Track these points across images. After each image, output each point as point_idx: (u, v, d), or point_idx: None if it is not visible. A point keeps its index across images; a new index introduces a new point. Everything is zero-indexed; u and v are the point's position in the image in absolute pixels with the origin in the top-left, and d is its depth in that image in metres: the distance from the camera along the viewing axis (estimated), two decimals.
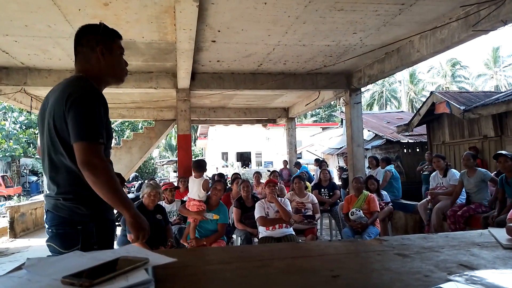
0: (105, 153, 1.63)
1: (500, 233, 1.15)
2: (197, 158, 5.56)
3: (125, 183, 11.61)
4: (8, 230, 8.07)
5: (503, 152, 4.62)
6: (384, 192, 6.11)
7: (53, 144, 1.57)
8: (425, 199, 5.83)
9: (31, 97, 8.06)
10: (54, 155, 1.58)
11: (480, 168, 5.11)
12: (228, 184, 6.93)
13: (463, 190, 5.18)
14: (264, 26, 4.79)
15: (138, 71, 6.93)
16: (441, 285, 0.71)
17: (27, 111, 9.68)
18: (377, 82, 8.94)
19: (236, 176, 6.80)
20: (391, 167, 7.22)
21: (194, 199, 4.25)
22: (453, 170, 5.74)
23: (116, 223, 6.75)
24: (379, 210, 5.22)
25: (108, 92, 8.71)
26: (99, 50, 1.66)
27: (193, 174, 4.47)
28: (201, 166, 4.40)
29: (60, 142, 1.55)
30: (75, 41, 1.69)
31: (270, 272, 0.89)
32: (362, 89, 7.73)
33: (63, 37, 4.96)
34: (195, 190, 4.26)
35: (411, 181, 10.57)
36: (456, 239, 1.17)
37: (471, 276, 0.76)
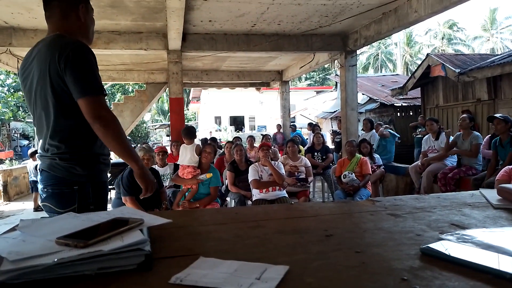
0: None
1: (491, 194, 1.17)
2: (186, 125, 5.54)
3: None
4: (2, 193, 8.10)
5: (497, 114, 4.64)
6: (376, 155, 6.18)
7: (47, 104, 1.54)
8: (416, 162, 5.92)
9: (17, 58, 7.80)
10: (49, 115, 1.55)
11: (474, 131, 5.15)
12: (222, 148, 6.95)
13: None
14: None
15: (127, 31, 6.69)
16: (432, 244, 0.72)
17: (14, 73, 9.41)
18: (373, 44, 8.75)
19: (237, 139, 6.84)
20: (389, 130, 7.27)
21: (188, 166, 4.26)
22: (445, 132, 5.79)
23: (110, 186, 6.79)
24: (371, 173, 5.30)
25: (97, 53, 8.43)
26: (81, 8, 1.61)
27: (184, 141, 4.49)
28: (191, 133, 4.48)
29: (56, 101, 1.52)
30: None
31: (265, 232, 0.90)
32: (358, 52, 7.60)
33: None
34: (188, 156, 4.28)
35: (403, 144, 10.69)
36: (448, 199, 1.19)
37: (462, 235, 0.78)
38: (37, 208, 6.84)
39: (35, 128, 1.69)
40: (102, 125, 1.47)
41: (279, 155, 6.55)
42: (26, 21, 5.92)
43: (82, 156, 1.56)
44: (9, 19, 5.84)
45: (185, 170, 4.29)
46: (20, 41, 6.31)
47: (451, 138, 5.40)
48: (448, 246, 0.71)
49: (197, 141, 4.81)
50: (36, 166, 7.09)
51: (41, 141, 1.62)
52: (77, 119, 1.52)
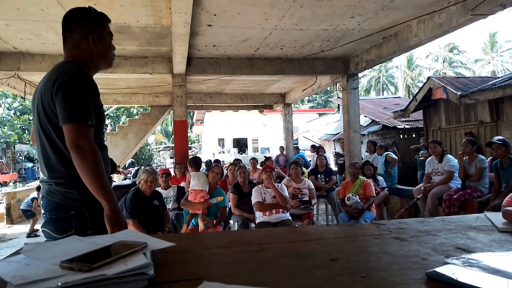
0: (98, 137, 1.61)
1: (496, 217, 1.16)
2: (192, 155, 5.73)
3: (122, 170, 11.63)
4: (5, 216, 8.08)
5: (495, 139, 4.65)
6: (380, 178, 6.15)
7: (43, 128, 1.56)
8: (420, 185, 5.88)
9: (25, 82, 7.96)
10: (45, 139, 1.56)
11: (479, 155, 5.14)
12: (225, 171, 6.95)
13: (457, 175, 5.23)
14: (261, 9, 4.72)
15: (133, 56, 6.84)
16: (438, 268, 0.72)
17: (21, 97, 9.57)
18: (374, 67, 8.88)
19: (238, 161, 6.88)
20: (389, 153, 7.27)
21: (202, 190, 4.38)
22: (449, 155, 5.77)
23: None
24: (375, 195, 5.26)
25: (103, 77, 8.58)
26: (91, 38, 1.62)
27: (190, 169, 4.79)
28: (198, 164, 4.84)
29: (50, 125, 1.53)
30: (63, 25, 1.65)
31: (269, 256, 0.89)
32: (359, 75, 7.69)
33: (57, 21, 4.87)
34: (202, 180, 4.44)
35: (406, 166, 10.65)
36: (453, 222, 1.18)
37: (468, 259, 0.77)
38: (29, 234, 6.82)
39: (37, 151, 1.70)
40: (78, 155, 1.43)
41: (284, 175, 6.53)
42: (34, 46, 6.07)
43: (77, 180, 1.50)
44: (18, 45, 6.00)
45: (198, 195, 4.37)
46: (28, 66, 6.46)
47: (451, 159, 5.41)
48: (454, 271, 0.70)
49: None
50: (33, 197, 7.14)
51: (40, 165, 1.63)
52: None
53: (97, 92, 1.59)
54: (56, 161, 1.55)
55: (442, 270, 0.71)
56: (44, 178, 1.60)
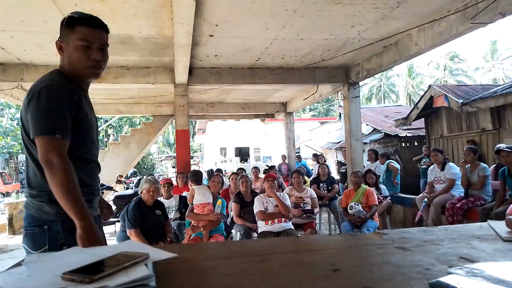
0: (84, 149, 1.56)
1: (500, 226, 1.16)
2: (193, 170, 5.80)
3: (124, 179, 11.63)
4: (7, 227, 8.06)
5: (503, 147, 4.62)
6: (382, 186, 6.12)
7: (23, 140, 1.52)
8: (423, 193, 5.85)
9: None
10: (26, 151, 1.52)
11: (481, 163, 5.12)
12: (227, 180, 6.94)
13: (459, 183, 5.21)
14: (262, 20, 4.76)
15: (136, 66, 6.90)
16: (441, 278, 0.71)
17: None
18: (375, 76, 8.93)
19: (242, 170, 6.90)
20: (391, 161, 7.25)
21: (208, 204, 4.43)
22: (451, 163, 5.75)
23: (115, 219, 6.72)
24: (377, 204, 5.24)
25: (105, 87, 8.64)
26: (58, 46, 1.56)
27: (192, 184, 4.91)
28: (199, 178, 4.97)
29: (27, 138, 1.49)
30: None
31: (271, 266, 0.89)
32: (360, 83, 7.72)
33: (60, 32, 4.92)
34: (207, 194, 4.49)
35: (409, 174, 10.60)
36: (456, 232, 1.18)
37: (472, 269, 0.76)
38: None
39: None
40: (47, 170, 1.37)
41: (285, 186, 6.52)
42: (38, 57, 6.13)
43: (49, 193, 1.42)
44: (22, 56, 6.06)
45: (205, 208, 4.40)
46: (31, 77, 6.51)
47: (453, 167, 5.39)
48: (457, 281, 0.70)
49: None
50: None
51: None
52: None
53: (76, 102, 1.51)
54: (32, 173, 1.51)
55: (446, 280, 0.70)
56: (24, 190, 1.58)
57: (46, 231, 1.47)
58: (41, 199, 1.48)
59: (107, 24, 1.62)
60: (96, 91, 8.89)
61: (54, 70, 1.58)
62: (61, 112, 1.44)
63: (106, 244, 1.45)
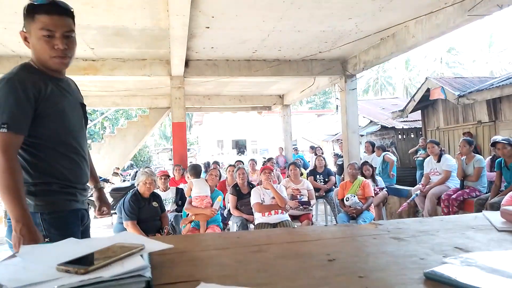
0: (58, 139, 1.53)
1: (495, 216, 1.16)
2: (192, 163, 5.84)
3: (120, 172, 11.61)
4: (3, 219, 8.05)
5: (499, 139, 4.64)
6: (378, 178, 6.15)
7: None
8: (418, 185, 5.89)
9: None
10: None
11: (476, 155, 5.15)
12: (224, 172, 6.95)
13: (455, 175, 5.25)
14: (259, 11, 4.72)
15: (132, 58, 6.84)
16: (436, 268, 0.72)
17: None
18: (372, 68, 8.89)
19: (240, 162, 6.95)
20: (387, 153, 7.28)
21: (207, 196, 4.49)
22: (447, 155, 5.79)
23: (112, 211, 6.76)
24: (373, 195, 5.27)
25: (101, 80, 8.57)
26: (21, 35, 1.51)
27: (190, 177, 4.95)
28: (198, 172, 4.96)
29: None
30: None
31: (267, 257, 0.89)
32: (357, 76, 7.71)
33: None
34: (204, 188, 4.56)
35: (405, 166, 10.66)
36: (451, 222, 1.18)
37: (466, 259, 0.77)
38: None
39: None
40: None
41: (282, 178, 6.53)
42: None
43: (29, 185, 1.43)
44: (16, 48, 5.99)
45: (203, 201, 4.45)
46: None
47: (449, 159, 5.42)
48: (452, 270, 0.70)
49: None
50: None
51: None
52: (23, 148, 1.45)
53: (39, 94, 1.47)
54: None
55: (440, 269, 0.70)
56: None
57: None
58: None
59: (71, 8, 1.52)
60: (92, 83, 8.82)
61: (23, 63, 1.52)
62: (10, 105, 1.39)
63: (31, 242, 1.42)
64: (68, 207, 1.57)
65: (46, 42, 1.47)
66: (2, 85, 1.42)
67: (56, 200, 1.53)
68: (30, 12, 1.45)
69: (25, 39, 1.51)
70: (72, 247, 0.85)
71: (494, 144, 4.65)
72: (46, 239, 1.46)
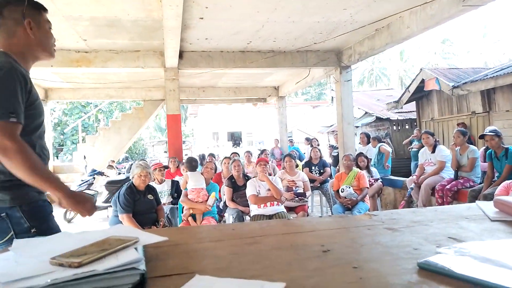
0: (36, 134, 1.53)
1: (488, 206, 1.17)
2: (189, 157, 5.83)
3: (115, 164, 11.57)
4: None
5: (486, 131, 4.69)
6: (373, 169, 6.18)
7: None
8: (412, 176, 5.93)
9: None
10: None
11: (471, 145, 5.19)
12: (219, 165, 6.95)
13: (449, 165, 5.29)
14: (252, 2, 4.68)
15: (125, 50, 6.77)
16: (430, 258, 0.72)
17: None
18: (367, 59, 8.89)
19: (235, 154, 6.95)
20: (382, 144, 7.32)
21: (202, 189, 4.57)
22: (442, 146, 5.83)
23: (107, 204, 6.78)
24: (368, 186, 5.30)
25: (94, 72, 8.47)
26: (27, 23, 1.51)
27: (186, 170, 4.98)
28: (194, 166, 4.94)
29: None
30: None
31: (261, 249, 0.89)
32: (352, 67, 7.70)
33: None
34: (200, 180, 4.63)
35: (400, 157, 10.72)
36: (445, 212, 1.19)
37: (460, 248, 0.77)
38: None
39: None
40: (3, 156, 1.33)
41: (278, 169, 6.55)
42: None
43: (2, 181, 1.43)
44: None
45: (200, 193, 4.53)
46: None
47: (443, 150, 5.46)
48: (445, 260, 0.71)
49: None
50: None
51: None
52: None
53: (28, 86, 1.48)
54: None
55: (434, 259, 0.71)
56: None
57: (5, 218, 1.44)
58: None
59: None
60: (85, 75, 8.73)
61: (3, 52, 1.48)
62: (15, 96, 1.40)
63: (93, 204, 1.52)
64: (39, 198, 1.58)
65: (51, 35, 1.63)
66: (4, 73, 1.40)
67: (28, 192, 1.51)
68: (36, 7, 1.58)
69: (30, 27, 1.54)
70: (65, 241, 0.84)
71: (482, 136, 4.71)
72: (33, 230, 1.46)
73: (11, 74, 1.41)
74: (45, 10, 1.62)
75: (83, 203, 1.44)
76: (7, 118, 1.35)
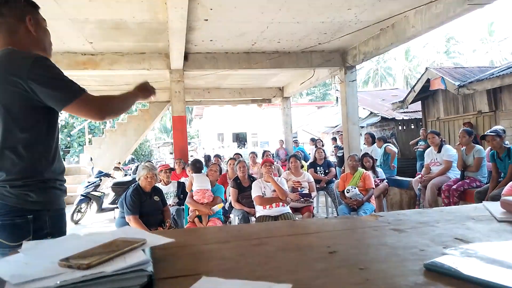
0: (56, 135, 1.54)
1: (495, 207, 1.16)
2: (194, 159, 5.86)
3: (122, 166, 11.63)
4: None
5: (488, 132, 4.66)
6: (379, 169, 6.16)
7: (3, 125, 1.41)
8: (418, 175, 5.90)
9: None
10: (1, 137, 1.41)
11: (477, 145, 5.15)
12: (224, 166, 6.97)
13: (455, 165, 5.25)
14: (257, 3, 4.69)
15: (130, 52, 6.81)
16: (436, 259, 0.72)
17: None
18: (372, 59, 8.85)
19: (238, 155, 6.95)
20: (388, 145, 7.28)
21: (208, 190, 4.59)
22: (448, 146, 5.78)
23: (113, 205, 6.81)
24: (374, 187, 5.28)
25: (100, 74, 8.54)
26: (28, 20, 1.52)
27: (191, 172, 4.99)
28: (198, 168, 4.97)
29: (13, 121, 1.39)
30: None
31: (268, 250, 0.89)
32: (357, 67, 7.68)
33: (53, 19, 4.82)
34: (205, 182, 4.66)
35: (406, 157, 10.66)
36: (451, 213, 1.18)
37: (466, 250, 0.77)
38: None
39: None
40: (106, 114, 1.53)
41: (283, 170, 6.54)
42: None
43: (37, 181, 1.41)
44: None
45: (205, 194, 4.54)
46: None
47: (449, 149, 5.42)
48: (452, 261, 0.70)
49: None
50: None
51: None
52: (30, 141, 1.42)
53: None
54: (12, 162, 1.40)
55: (441, 260, 0.71)
56: None
57: (30, 221, 1.40)
58: (27, 188, 1.41)
59: None
60: (91, 78, 8.79)
61: (9, 49, 1.46)
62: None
63: (148, 84, 1.83)
64: (63, 204, 1.58)
65: (48, 32, 1.66)
66: (50, 62, 1.47)
67: (60, 196, 1.53)
68: (32, 5, 1.59)
69: (31, 24, 1.56)
70: (73, 242, 0.85)
71: (483, 137, 4.68)
72: (49, 237, 1.43)
73: (47, 58, 1.48)
74: (38, 7, 1.62)
75: (148, 90, 1.81)
76: (84, 90, 1.47)
